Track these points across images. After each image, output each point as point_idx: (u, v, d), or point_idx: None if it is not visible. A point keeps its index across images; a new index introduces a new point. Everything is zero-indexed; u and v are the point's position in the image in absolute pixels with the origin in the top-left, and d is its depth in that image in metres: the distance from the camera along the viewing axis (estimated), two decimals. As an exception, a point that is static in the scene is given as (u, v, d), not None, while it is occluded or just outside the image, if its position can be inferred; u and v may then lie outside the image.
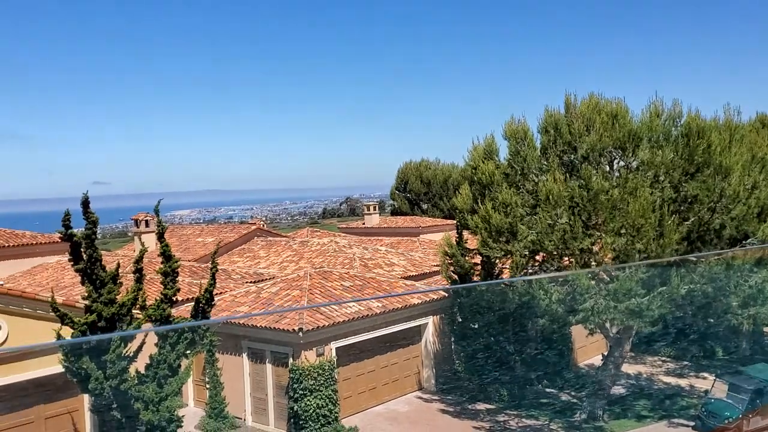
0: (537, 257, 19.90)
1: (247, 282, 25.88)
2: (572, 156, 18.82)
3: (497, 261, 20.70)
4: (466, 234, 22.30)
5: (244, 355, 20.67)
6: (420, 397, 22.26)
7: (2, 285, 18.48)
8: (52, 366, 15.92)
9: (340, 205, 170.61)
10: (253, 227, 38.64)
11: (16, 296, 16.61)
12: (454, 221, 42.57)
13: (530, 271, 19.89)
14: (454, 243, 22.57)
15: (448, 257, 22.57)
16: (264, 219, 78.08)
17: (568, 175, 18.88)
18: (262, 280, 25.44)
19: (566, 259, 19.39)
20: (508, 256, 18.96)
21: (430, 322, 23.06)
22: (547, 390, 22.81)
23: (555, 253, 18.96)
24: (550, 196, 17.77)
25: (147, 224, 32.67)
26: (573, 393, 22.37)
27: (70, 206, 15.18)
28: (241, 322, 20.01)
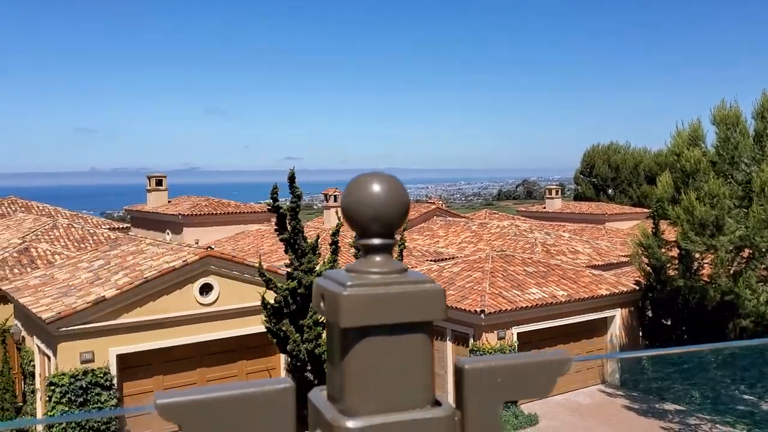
0: (743, 254, 18.42)
1: (427, 260, 26.38)
2: (793, 145, 17.18)
3: (697, 255, 19.37)
4: (662, 224, 21.06)
5: (426, 332, 21.11)
6: (603, 391, 21.51)
7: (212, 249, 20.30)
8: (256, 326, 17.23)
9: (517, 187, 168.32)
10: (433, 206, 39.23)
11: (227, 260, 18.14)
12: (644, 209, 40.36)
13: (734, 268, 18.45)
14: (650, 233, 21.38)
15: (642, 248, 21.45)
16: (438, 198, 78.90)
17: (786, 165, 17.27)
18: (443, 260, 25.78)
19: (778, 257, 17.77)
20: (711, 251, 17.68)
21: (618, 315, 22.11)
22: (746, 397, 21.06)
23: (766, 250, 17.44)
24: (765, 188, 16.33)
25: (335, 199, 34.28)
26: (776, 404, 20.47)
27: (265, 179, 16.30)
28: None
